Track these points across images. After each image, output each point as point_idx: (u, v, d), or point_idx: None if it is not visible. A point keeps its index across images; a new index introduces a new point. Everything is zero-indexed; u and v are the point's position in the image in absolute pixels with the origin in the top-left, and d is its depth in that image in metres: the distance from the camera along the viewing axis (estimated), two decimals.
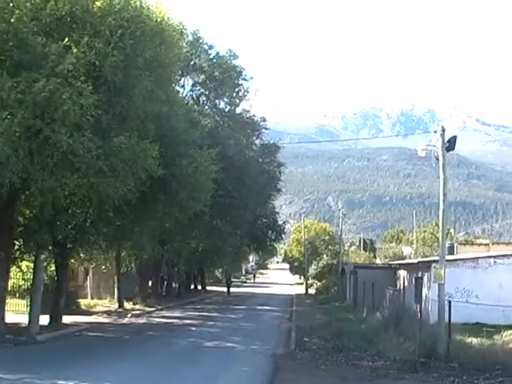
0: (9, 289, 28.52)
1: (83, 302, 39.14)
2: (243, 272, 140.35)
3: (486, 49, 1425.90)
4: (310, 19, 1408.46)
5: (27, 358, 20.14)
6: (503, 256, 36.62)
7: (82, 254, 34.07)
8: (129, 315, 37.16)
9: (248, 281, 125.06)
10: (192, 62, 44.66)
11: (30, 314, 26.12)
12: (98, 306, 40.35)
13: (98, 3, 21.61)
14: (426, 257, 69.89)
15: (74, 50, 19.72)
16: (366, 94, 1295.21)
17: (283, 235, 69.80)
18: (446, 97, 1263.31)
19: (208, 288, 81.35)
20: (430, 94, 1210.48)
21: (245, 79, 48.70)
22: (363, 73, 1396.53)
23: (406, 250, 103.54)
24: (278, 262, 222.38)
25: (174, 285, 64.19)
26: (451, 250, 49.96)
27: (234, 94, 47.95)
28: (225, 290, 75.47)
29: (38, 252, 26.70)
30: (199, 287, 78.02)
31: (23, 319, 27.29)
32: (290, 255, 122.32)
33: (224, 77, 46.15)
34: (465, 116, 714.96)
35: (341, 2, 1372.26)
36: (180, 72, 41.25)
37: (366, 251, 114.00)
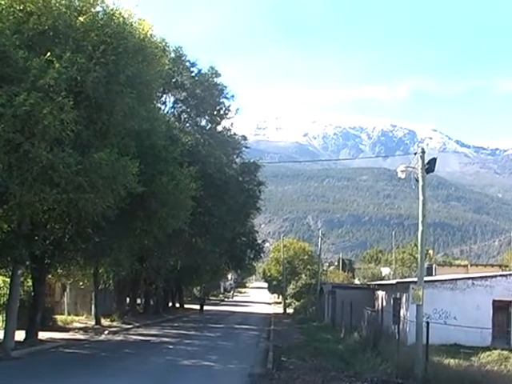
0: None
1: (60, 318, 38.75)
2: (221, 290, 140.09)
3: (467, 71, 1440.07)
4: (291, 39, 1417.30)
5: (1, 374, 19.85)
6: (481, 278, 36.83)
7: (59, 270, 33.82)
8: (106, 332, 36.82)
9: (226, 299, 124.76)
10: (174, 79, 44.63)
11: (5, 329, 25.86)
12: (74, 323, 40.01)
13: (81, 18, 21.55)
14: (405, 277, 70.24)
15: (56, 65, 19.61)
16: (346, 115, 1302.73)
17: (262, 254, 69.65)
18: (426, 118, 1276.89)
19: (186, 306, 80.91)
20: (411, 116, 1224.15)
21: (226, 97, 48.74)
22: (344, 93, 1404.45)
23: (385, 271, 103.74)
24: (256, 281, 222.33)
25: (151, 302, 63.78)
26: (430, 271, 50.28)
27: (216, 112, 47.91)
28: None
29: (15, 267, 26.42)
30: (177, 305, 77.60)
31: None
32: (269, 274, 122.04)
33: (205, 94, 46.13)
34: (445, 138, 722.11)
35: (324, 19, 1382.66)
36: (162, 89, 41.17)
37: (344, 271, 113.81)
